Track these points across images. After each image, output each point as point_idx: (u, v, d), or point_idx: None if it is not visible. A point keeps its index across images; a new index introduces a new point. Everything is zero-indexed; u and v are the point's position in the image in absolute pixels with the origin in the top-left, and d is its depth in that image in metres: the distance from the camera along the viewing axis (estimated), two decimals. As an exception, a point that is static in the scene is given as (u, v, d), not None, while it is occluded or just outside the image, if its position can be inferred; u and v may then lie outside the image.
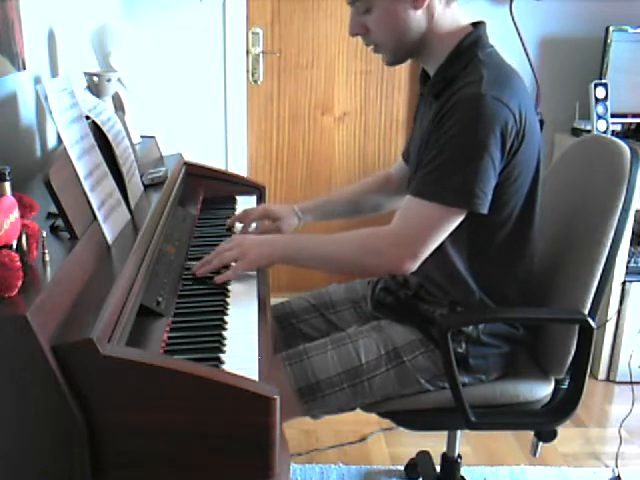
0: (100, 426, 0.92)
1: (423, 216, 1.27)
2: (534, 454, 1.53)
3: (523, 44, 2.75)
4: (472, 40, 1.31)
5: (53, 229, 1.16)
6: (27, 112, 1.60)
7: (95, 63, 1.97)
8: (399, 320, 1.43)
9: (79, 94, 1.35)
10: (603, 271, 1.37)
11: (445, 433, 1.71)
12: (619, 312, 2.51)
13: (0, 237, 0.90)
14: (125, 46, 1.93)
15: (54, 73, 1.79)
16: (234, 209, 1.84)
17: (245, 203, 1.88)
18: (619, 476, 2.04)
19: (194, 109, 2.78)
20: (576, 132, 2.69)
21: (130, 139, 1.57)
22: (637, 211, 2.20)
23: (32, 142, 1.65)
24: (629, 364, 2.51)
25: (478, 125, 1.22)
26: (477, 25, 1.35)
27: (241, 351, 1.12)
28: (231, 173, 2.14)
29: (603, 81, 2.58)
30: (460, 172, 1.23)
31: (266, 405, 0.92)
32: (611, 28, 2.58)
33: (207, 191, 1.91)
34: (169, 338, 1.15)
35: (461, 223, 1.28)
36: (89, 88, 1.78)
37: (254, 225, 1.67)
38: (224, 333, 1.17)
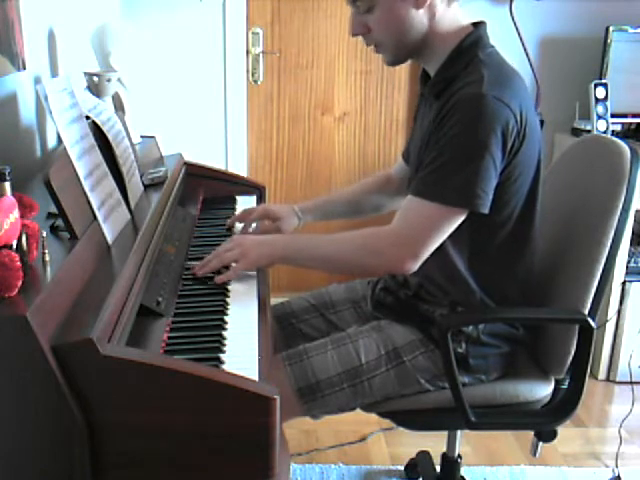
0: (100, 426, 0.92)
1: (424, 216, 1.27)
2: (534, 454, 1.53)
3: (523, 44, 2.75)
4: (473, 40, 1.31)
5: (53, 229, 1.16)
6: (27, 112, 1.60)
7: (95, 63, 1.97)
8: (399, 320, 1.43)
9: (79, 94, 1.35)
10: (603, 271, 1.37)
11: (445, 433, 1.71)
12: (619, 312, 2.51)
13: (0, 237, 0.90)
14: (125, 46, 1.93)
15: (54, 73, 1.79)
16: (234, 209, 1.84)
17: (245, 203, 1.88)
18: (619, 476, 2.04)
19: (194, 109, 2.78)
20: (576, 132, 2.69)
21: (130, 139, 1.57)
22: (637, 211, 2.20)
23: (32, 142, 1.65)
24: (629, 364, 2.51)
25: (479, 125, 1.22)
26: (478, 25, 1.35)
27: (241, 351, 1.12)
28: (231, 173, 2.14)
29: (603, 81, 2.58)
30: (461, 172, 1.23)
31: (266, 405, 0.92)
32: (611, 28, 2.58)
33: (207, 191, 1.91)
34: (169, 338, 1.15)
35: (462, 223, 1.28)
36: (89, 88, 1.78)
37: (254, 225, 1.67)
38: (224, 333, 1.17)
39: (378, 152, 3.02)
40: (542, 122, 2.55)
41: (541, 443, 1.51)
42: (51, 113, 1.18)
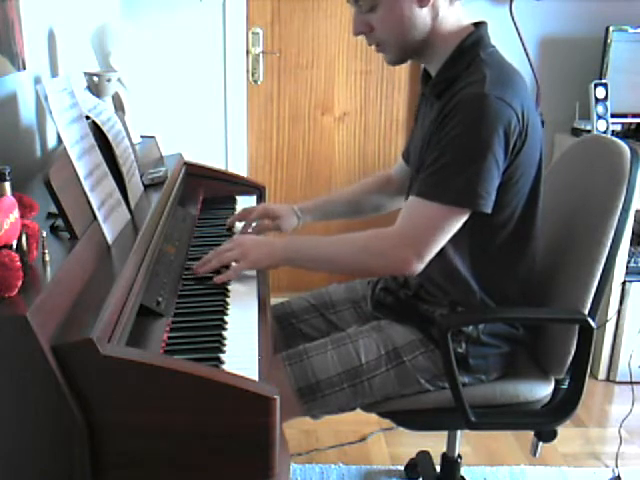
0: (100, 426, 0.92)
1: (427, 217, 1.27)
2: (534, 454, 1.53)
3: (523, 44, 2.75)
4: (474, 40, 1.31)
5: (53, 229, 1.16)
6: (27, 112, 1.60)
7: (95, 63, 1.97)
8: (399, 320, 1.43)
9: (79, 94, 1.35)
10: (603, 271, 1.37)
11: (445, 433, 1.71)
12: (619, 312, 2.51)
13: (0, 237, 0.90)
14: (125, 46, 1.93)
15: (54, 73, 1.79)
16: (234, 209, 1.84)
17: (245, 203, 1.88)
18: (619, 476, 2.04)
19: (194, 109, 2.78)
20: (576, 132, 2.69)
21: (130, 139, 1.57)
22: (637, 211, 2.20)
23: (32, 142, 1.65)
24: (629, 364, 2.51)
25: (481, 125, 1.21)
26: (479, 25, 1.35)
27: (241, 351, 1.12)
28: (231, 173, 2.14)
29: (603, 81, 2.58)
30: (464, 172, 1.23)
31: (266, 405, 0.92)
32: (611, 28, 2.58)
33: (207, 191, 1.91)
34: (169, 338, 1.15)
35: (463, 223, 1.28)
36: (89, 88, 1.78)
37: (253, 224, 1.67)
38: (224, 333, 1.17)
39: (378, 152, 3.02)
40: (542, 122, 2.55)
41: (541, 443, 1.51)
42: (51, 113, 1.18)
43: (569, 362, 1.40)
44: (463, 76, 1.28)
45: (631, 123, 2.71)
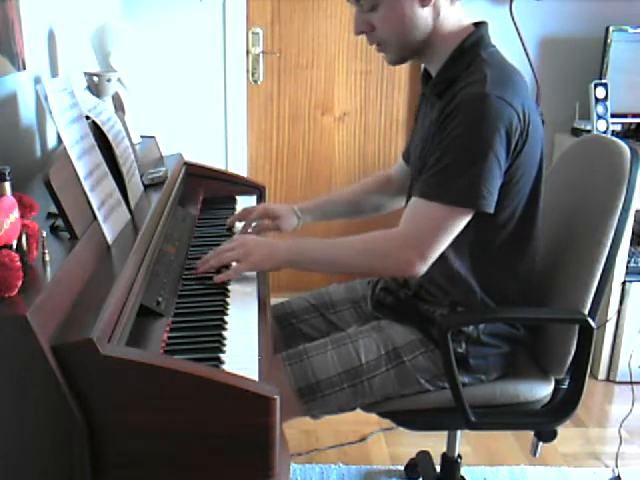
0: (100, 426, 0.92)
1: (430, 217, 1.26)
2: (534, 454, 1.53)
3: (523, 44, 2.75)
4: (475, 40, 1.31)
5: (53, 229, 1.16)
6: (27, 112, 1.60)
7: (95, 63, 1.97)
8: (399, 320, 1.43)
9: (79, 94, 1.35)
10: (603, 271, 1.37)
11: (445, 433, 1.71)
12: (619, 312, 2.51)
13: (0, 237, 0.90)
14: (125, 46, 1.93)
15: (54, 73, 1.79)
16: (234, 209, 1.84)
17: (245, 203, 1.88)
18: (619, 476, 2.04)
19: (194, 109, 2.78)
20: (576, 132, 2.69)
21: (130, 139, 1.57)
22: (637, 211, 2.20)
23: (32, 142, 1.65)
24: (629, 364, 2.51)
25: (483, 125, 1.21)
26: (479, 25, 1.35)
27: (241, 351, 1.12)
28: (231, 173, 2.14)
29: (603, 81, 2.58)
30: (466, 172, 1.23)
31: (266, 405, 0.92)
32: (611, 28, 2.58)
33: (207, 191, 1.91)
34: (169, 338, 1.15)
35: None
36: (89, 88, 1.78)
37: (253, 224, 1.67)
38: (224, 333, 1.17)
39: (378, 152, 3.02)
40: (542, 122, 2.55)
41: (541, 443, 1.51)
42: (51, 113, 1.18)
43: (569, 362, 1.40)
44: (464, 76, 1.28)
45: (631, 123, 2.71)
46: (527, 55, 2.76)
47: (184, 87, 2.75)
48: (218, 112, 2.80)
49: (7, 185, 0.98)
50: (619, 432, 2.20)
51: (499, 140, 1.22)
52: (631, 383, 2.46)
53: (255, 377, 1.01)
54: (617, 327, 2.54)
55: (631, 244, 2.46)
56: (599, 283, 1.37)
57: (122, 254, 1.18)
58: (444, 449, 1.74)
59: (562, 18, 2.78)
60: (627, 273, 2.47)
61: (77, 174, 1.17)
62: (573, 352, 1.38)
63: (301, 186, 3.02)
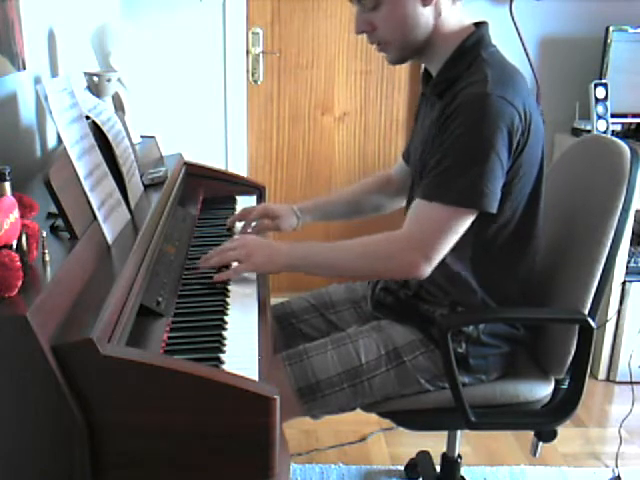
0: (100, 426, 0.92)
1: (434, 219, 1.26)
2: (534, 454, 1.53)
3: (523, 44, 2.75)
4: (475, 40, 1.31)
5: (53, 229, 1.16)
6: (27, 112, 1.60)
7: (95, 63, 1.97)
8: (399, 320, 1.43)
9: (79, 94, 1.35)
10: (603, 271, 1.37)
11: (445, 433, 1.71)
12: (619, 312, 2.51)
13: (0, 237, 0.90)
14: (125, 46, 1.93)
15: (54, 73, 1.79)
16: (234, 209, 1.84)
17: (245, 203, 1.88)
18: (619, 476, 2.04)
19: (194, 109, 2.78)
20: (576, 132, 2.69)
21: (130, 139, 1.57)
22: (637, 211, 2.20)
23: (32, 142, 1.65)
24: (629, 364, 2.51)
25: (485, 124, 1.21)
26: (480, 25, 1.34)
27: (241, 351, 1.12)
28: (231, 173, 2.14)
29: (603, 81, 2.58)
30: (468, 172, 1.23)
31: (266, 405, 0.92)
32: (611, 28, 2.58)
33: (207, 191, 1.91)
34: (169, 338, 1.15)
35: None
36: (89, 88, 1.78)
37: (253, 224, 1.67)
38: (224, 333, 1.17)
39: (378, 152, 3.02)
40: (543, 121, 2.55)
41: (541, 443, 1.51)
42: (51, 113, 1.18)
43: (569, 362, 1.40)
44: (464, 76, 1.28)
45: (631, 123, 2.71)
46: (527, 55, 2.76)
47: (184, 87, 2.75)
48: (218, 112, 2.80)
49: (7, 185, 0.98)
50: (619, 432, 2.20)
51: (501, 140, 1.22)
52: (631, 383, 2.46)
53: (255, 377, 1.01)
54: (617, 327, 2.54)
55: (631, 244, 2.46)
56: (599, 283, 1.37)
57: (122, 254, 1.18)
58: (444, 449, 1.74)
59: (562, 18, 2.78)
60: (627, 273, 2.47)
61: (77, 174, 1.17)
62: (573, 352, 1.38)
63: (301, 186, 3.02)
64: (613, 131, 2.60)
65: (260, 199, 1.94)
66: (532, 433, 1.53)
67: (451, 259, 1.34)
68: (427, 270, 1.27)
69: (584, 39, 2.76)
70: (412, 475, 2.01)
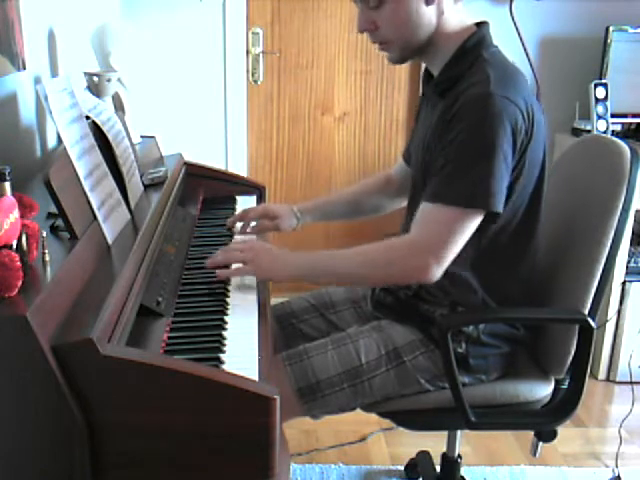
0: (100, 426, 0.92)
1: (442, 221, 1.25)
2: (534, 454, 1.53)
3: (523, 44, 2.75)
4: (477, 40, 1.31)
5: (53, 229, 1.16)
6: (27, 112, 1.60)
7: (95, 63, 1.97)
8: (399, 320, 1.43)
9: (79, 94, 1.35)
10: (603, 271, 1.37)
11: (445, 433, 1.71)
12: (619, 312, 2.51)
13: (0, 237, 0.90)
14: (125, 46, 1.93)
15: (54, 73, 1.79)
16: (234, 209, 1.84)
17: (245, 203, 1.88)
18: (619, 476, 2.04)
19: (194, 109, 2.78)
20: (576, 132, 2.69)
21: (130, 139, 1.57)
22: (637, 211, 2.20)
23: (32, 142, 1.65)
24: (629, 364, 2.51)
25: (489, 124, 1.21)
26: (481, 25, 1.34)
27: (241, 351, 1.12)
28: (231, 173, 2.14)
29: (603, 81, 2.58)
30: (474, 173, 1.23)
31: (266, 405, 0.92)
32: (611, 28, 2.58)
33: (207, 191, 1.91)
34: (169, 338, 1.15)
35: None
36: (89, 88, 1.78)
37: (253, 224, 1.67)
38: (224, 333, 1.17)
39: (378, 152, 3.02)
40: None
41: (541, 443, 1.51)
42: (51, 113, 1.18)
43: (569, 362, 1.40)
44: (466, 76, 1.28)
45: (631, 123, 2.71)
46: (527, 55, 2.76)
47: (184, 87, 2.75)
48: (218, 112, 2.80)
49: (7, 185, 0.98)
50: (619, 432, 2.20)
51: (505, 139, 1.22)
52: (631, 383, 2.46)
53: (255, 377, 1.01)
54: (617, 327, 2.54)
55: (631, 244, 2.46)
56: (599, 283, 1.37)
57: (122, 254, 1.18)
58: (444, 449, 1.74)
59: (562, 18, 2.78)
60: (627, 273, 2.47)
61: (77, 174, 1.17)
62: (573, 352, 1.38)
63: (301, 186, 3.02)
64: (613, 131, 2.60)
65: (260, 199, 1.94)
66: (532, 433, 1.53)
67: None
68: (438, 273, 1.26)
69: (584, 39, 2.76)
70: (412, 475, 2.01)
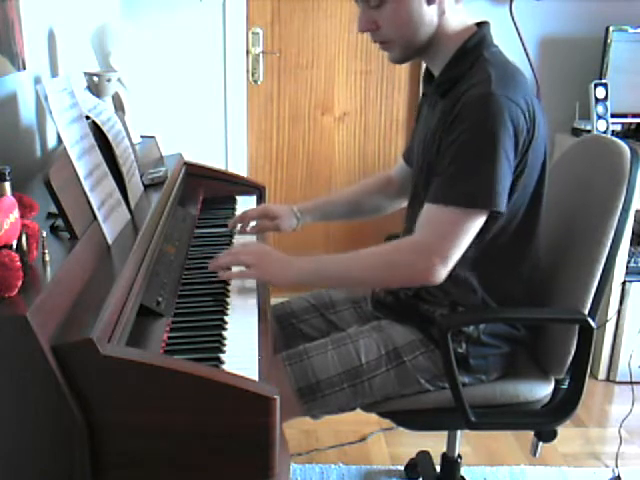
0: (100, 426, 0.92)
1: (446, 222, 1.25)
2: (534, 454, 1.53)
3: (523, 44, 2.75)
4: (477, 40, 1.31)
5: (53, 229, 1.16)
6: (27, 112, 1.60)
7: (95, 63, 1.97)
8: (399, 320, 1.43)
9: (79, 94, 1.35)
10: (603, 271, 1.37)
11: (445, 433, 1.71)
12: (619, 312, 2.51)
13: (0, 237, 0.90)
14: (125, 46, 1.93)
15: (54, 73, 1.79)
16: (234, 209, 1.84)
17: (245, 203, 1.88)
18: (619, 476, 2.04)
19: (194, 109, 2.78)
20: (576, 132, 2.69)
21: (130, 139, 1.57)
22: (637, 211, 2.20)
23: (32, 142, 1.65)
24: (629, 364, 2.51)
25: (491, 124, 1.21)
26: (481, 25, 1.34)
27: (241, 351, 1.12)
28: (231, 173, 2.14)
29: (603, 81, 2.58)
30: (478, 173, 1.23)
31: (266, 405, 0.92)
32: (611, 28, 2.58)
33: (207, 191, 1.91)
34: (169, 338, 1.15)
35: None
36: (89, 88, 1.78)
37: (253, 223, 1.67)
38: (224, 333, 1.17)
39: (378, 152, 3.02)
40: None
41: (541, 443, 1.51)
42: (51, 113, 1.18)
43: (569, 362, 1.40)
44: (467, 76, 1.28)
45: (631, 123, 2.71)
46: (527, 55, 2.76)
47: (184, 87, 2.75)
48: (218, 112, 2.80)
49: (7, 185, 0.98)
50: (619, 432, 2.20)
51: (508, 138, 1.22)
52: (631, 383, 2.46)
53: (255, 377, 1.01)
54: (617, 327, 2.54)
55: (631, 244, 2.46)
56: (599, 283, 1.37)
57: (122, 254, 1.18)
58: (444, 449, 1.74)
59: (562, 18, 2.78)
60: (627, 273, 2.47)
61: (77, 174, 1.17)
62: (573, 352, 1.38)
63: (301, 186, 3.02)
64: (613, 131, 2.60)
65: (260, 199, 1.94)
66: (532, 433, 1.53)
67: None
68: (444, 274, 1.26)
69: (584, 39, 2.76)
70: (412, 475, 2.01)
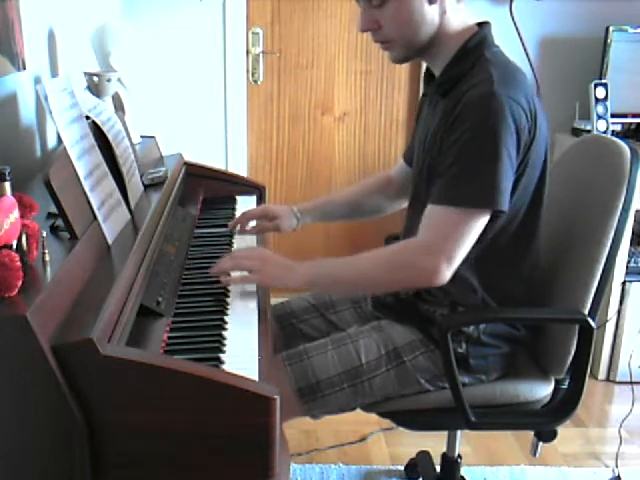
0: (100, 426, 0.92)
1: (450, 223, 1.25)
2: (534, 454, 1.53)
3: (523, 44, 2.75)
4: (478, 40, 1.31)
5: (53, 229, 1.16)
6: (27, 112, 1.60)
7: (95, 63, 1.97)
8: (399, 320, 1.43)
9: (79, 94, 1.35)
10: (603, 271, 1.37)
11: (445, 433, 1.71)
12: (619, 312, 2.51)
13: (0, 237, 0.90)
14: (125, 46, 1.93)
15: (54, 73, 1.79)
16: (234, 209, 1.84)
17: (245, 203, 1.88)
18: (619, 476, 2.04)
19: (194, 109, 2.78)
20: (576, 132, 2.69)
21: (130, 139, 1.57)
22: (637, 211, 2.20)
23: (32, 142, 1.65)
24: (629, 364, 2.51)
25: (492, 124, 1.21)
26: (482, 25, 1.34)
27: (241, 351, 1.12)
28: (231, 173, 2.14)
29: (603, 81, 2.58)
30: (480, 173, 1.22)
31: (266, 405, 0.92)
32: (611, 28, 2.58)
33: (207, 191, 1.91)
34: (169, 338, 1.15)
35: None
36: (89, 88, 1.78)
37: (252, 223, 1.67)
38: (224, 333, 1.17)
39: (378, 152, 3.02)
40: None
41: (541, 443, 1.51)
42: (51, 113, 1.18)
43: (569, 362, 1.40)
44: (468, 76, 1.28)
45: (631, 123, 2.71)
46: (527, 55, 2.76)
47: (184, 87, 2.75)
48: (218, 112, 2.80)
49: (7, 185, 0.98)
50: (619, 432, 2.20)
51: (510, 138, 1.22)
52: (631, 383, 2.46)
53: (255, 377, 1.01)
54: (617, 327, 2.54)
55: (631, 244, 2.46)
56: (599, 283, 1.37)
57: (122, 254, 1.18)
58: (444, 449, 1.74)
59: (562, 18, 2.78)
60: (627, 273, 2.47)
61: (77, 174, 1.17)
62: (573, 352, 1.38)
63: (301, 186, 3.02)
64: (613, 131, 2.60)
65: (260, 199, 1.94)
66: (532, 433, 1.53)
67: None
68: (448, 274, 1.25)
69: (584, 39, 2.76)
70: (412, 475, 2.01)
